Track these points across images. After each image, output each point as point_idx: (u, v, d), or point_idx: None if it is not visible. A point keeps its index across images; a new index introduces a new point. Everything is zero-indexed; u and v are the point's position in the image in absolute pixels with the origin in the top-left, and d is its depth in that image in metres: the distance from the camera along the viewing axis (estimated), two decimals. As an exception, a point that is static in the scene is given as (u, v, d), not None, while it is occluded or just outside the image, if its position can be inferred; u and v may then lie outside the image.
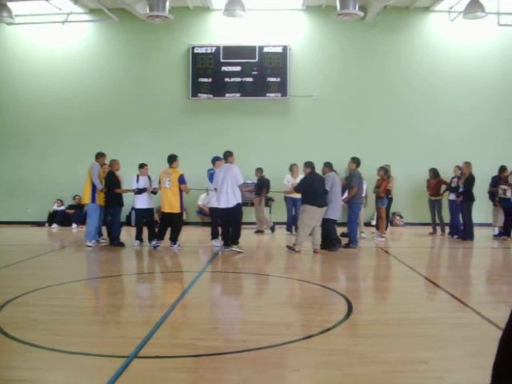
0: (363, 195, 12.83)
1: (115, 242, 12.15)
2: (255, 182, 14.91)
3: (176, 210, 11.58)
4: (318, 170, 11.75)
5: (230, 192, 11.18)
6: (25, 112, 17.35)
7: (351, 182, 11.94)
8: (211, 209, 12.25)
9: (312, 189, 11.17)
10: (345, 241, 12.07)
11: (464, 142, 16.23)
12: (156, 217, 13.30)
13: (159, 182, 11.83)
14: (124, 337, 5.34)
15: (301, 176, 12.78)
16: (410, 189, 16.14)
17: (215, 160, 12.29)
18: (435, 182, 14.34)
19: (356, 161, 12.10)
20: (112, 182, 12.12)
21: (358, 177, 11.96)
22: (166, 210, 11.61)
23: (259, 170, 14.91)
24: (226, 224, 11.53)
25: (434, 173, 14.41)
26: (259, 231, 14.76)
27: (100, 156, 12.29)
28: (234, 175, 11.23)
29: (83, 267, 10.27)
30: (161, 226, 11.99)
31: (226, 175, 11.23)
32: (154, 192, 12.13)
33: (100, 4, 14.63)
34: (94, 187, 11.94)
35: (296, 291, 7.92)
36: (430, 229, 14.61)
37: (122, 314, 6.51)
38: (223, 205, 11.25)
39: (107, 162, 12.57)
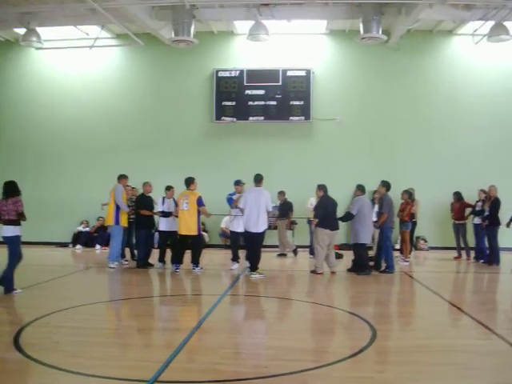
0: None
1: (140, 262, 12.18)
2: (277, 205, 14.88)
3: (193, 232, 11.48)
4: (339, 192, 11.70)
5: (260, 217, 11.09)
6: (53, 134, 17.64)
7: (381, 207, 11.82)
8: (233, 232, 12.28)
9: (328, 212, 11.27)
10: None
11: (489, 165, 16.01)
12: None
13: (176, 205, 11.83)
14: (145, 360, 5.31)
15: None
16: (434, 212, 15.93)
17: (237, 184, 12.31)
18: (459, 205, 14.16)
19: (386, 184, 11.92)
20: (143, 204, 12.20)
21: (388, 201, 11.80)
22: (183, 232, 11.49)
23: (282, 193, 14.89)
24: (250, 247, 11.47)
25: (458, 196, 14.24)
26: (282, 254, 14.67)
27: (122, 178, 12.40)
28: (266, 200, 11.21)
29: (105, 289, 10.30)
30: (178, 249, 11.80)
31: (259, 199, 11.11)
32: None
33: (126, 29, 14.89)
34: (117, 209, 12.02)
35: (319, 316, 7.81)
36: (454, 253, 14.38)
37: (143, 336, 6.48)
38: (252, 229, 11.12)
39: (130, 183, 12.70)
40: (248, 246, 11.52)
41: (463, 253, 14.23)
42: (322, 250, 11.32)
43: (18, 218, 8.68)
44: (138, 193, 13.20)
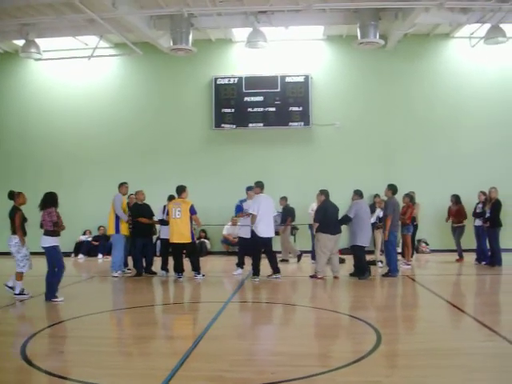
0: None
1: (139, 270, 12.21)
2: (279, 211, 14.90)
3: (187, 239, 11.48)
4: (339, 197, 11.77)
5: (272, 222, 11.60)
6: (53, 145, 17.71)
7: (385, 210, 11.86)
8: (241, 238, 12.40)
9: (325, 217, 11.38)
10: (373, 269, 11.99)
11: (489, 167, 16.05)
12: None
13: (167, 214, 11.82)
14: (152, 368, 5.32)
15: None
16: (435, 215, 15.93)
17: (250, 189, 12.37)
18: (456, 208, 14.18)
19: (392, 188, 11.91)
20: (137, 213, 12.23)
21: (391, 205, 11.81)
22: (176, 240, 11.46)
23: (284, 199, 14.91)
24: (258, 252, 11.61)
25: (456, 199, 14.27)
26: (284, 260, 14.68)
27: (121, 186, 12.45)
28: (273, 206, 11.80)
29: (109, 298, 10.31)
30: (175, 258, 11.78)
31: (270, 205, 11.61)
32: None
33: (124, 38, 14.97)
34: (117, 218, 12.07)
35: (323, 321, 7.82)
36: (456, 255, 14.39)
37: (149, 345, 6.49)
38: (266, 234, 11.44)
39: (131, 191, 12.74)
40: (256, 251, 11.54)
41: (465, 255, 14.25)
42: (323, 255, 11.41)
43: (52, 229, 8.93)
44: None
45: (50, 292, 8.93)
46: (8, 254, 9.56)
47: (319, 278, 11.37)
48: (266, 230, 11.40)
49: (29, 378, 5.06)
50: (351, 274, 11.66)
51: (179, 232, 11.41)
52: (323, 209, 11.56)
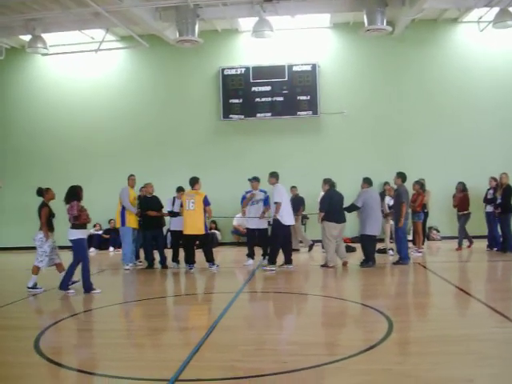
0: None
1: (151, 263, 12.32)
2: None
3: (201, 231, 11.49)
4: (349, 186, 11.76)
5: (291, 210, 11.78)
6: (61, 139, 17.78)
7: (398, 198, 11.76)
8: (249, 229, 12.47)
9: (330, 205, 11.46)
10: (381, 257, 11.99)
11: (498, 152, 15.96)
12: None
13: (181, 206, 11.84)
14: (164, 360, 5.35)
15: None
16: (445, 202, 15.80)
17: (255, 180, 12.39)
18: (461, 195, 13.96)
19: (402, 176, 11.87)
20: (146, 205, 12.27)
21: (405, 193, 11.81)
22: (190, 231, 11.45)
23: (294, 188, 14.88)
24: (288, 242, 11.79)
25: (463, 187, 14.03)
26: (295, 250, 14.65)
27: (129, 178, 12.55)
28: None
29: (121, 290, 10.37)
30: (188, 250, 11.77)
31: (287, 194, 11.84)
32: None
33: (131, 31, 14.95)
34: (123, 210, 12.12)
35: (335, 310, 7.82)
36: (467, 242, 14.29)
37: (162, 336, 6.53)
38: (293, 222, 11.83)
39: (141, 184, 12.79)
40: (278, 240, 11.49)
41: (476, 241, 14.17)
42: (330, 243, 11.47)
43: (74, 223, 9.09)
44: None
45: (63, 282, 9.10)
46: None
47: (330, 266, 11.40)
48: (289, 218, 11.49)
49: (43, 372, 5.10)
50: (362, 264, 11.62)
51: (193, 224, 11.41)
52: (328, 197, 11.63)
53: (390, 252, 13.22)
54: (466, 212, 13.90)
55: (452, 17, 16.39)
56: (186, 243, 11.80)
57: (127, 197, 12.15)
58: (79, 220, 9.10)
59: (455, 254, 13.49)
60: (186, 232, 11.50)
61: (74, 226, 9.11)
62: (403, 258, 11.65)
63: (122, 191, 12.27)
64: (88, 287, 9.10)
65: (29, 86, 18.04)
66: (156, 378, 4.76)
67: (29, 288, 9.30)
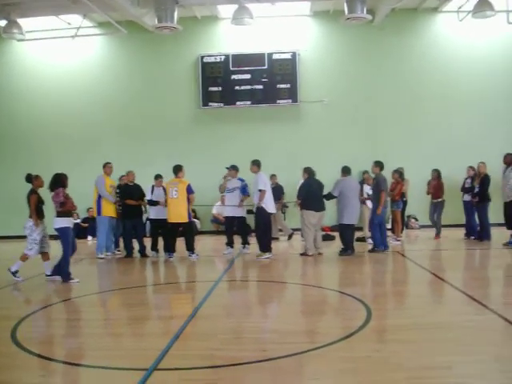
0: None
1: (130, 252, 12.24)
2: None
3: (185, 219, 11.49)
4: (328, 174, 11.78)
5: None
6: (37, 126, 17.50)
7: (377, 186, 11.85)
8: (227, 217, 12.39)
9: (309, 194, 11.51)
10: (360, 246, 12.05)
11: (476, 142, 16.12)
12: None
13: (165, 193, 11.81)
14: (143, 349, 5.32)
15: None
16: (424, 191, 15.92)
17: (233, 168, 12.32)
18: (435, 183, 14.04)
19: (380, 164, 11.97)
20: (125, 194, 12.16)
21: (384, 181, 11.89)
22: (174, 219, 11.47)
23: (274, 177, 14.85)
24: (268, 228, 11.81)
25: (438, 173, 14.08)
26: (274, 238, 14.66)
27: (105, 166, 12.44)
28: None
29: (100, 280, 10.29)
30: (169, 237, 11.80)
31: (268, 183, 11.85)
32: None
33: (108, 17, 14.72)
34: (99, 199, 12.01)
35: (314, 298, 7.84)
36: (444, 231, 14.36)
37: (140, 326, 6.47)
38: (275, 210, 11.99)
39: (122, 173, 12.67)
40: (266, 227, 11.61)
41: (453, 230, 14.30)
42: (309, 232, 11.51)
43: (60, 210, 8.98)
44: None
45: (64, 274, 9.05)
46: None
47: (309, 255, 11.42)
48: (272, 206, 11.61)
49: (21, 362, 5.02)
50: (340, 253, 11.65)
51: (177, 212, 11.40)
52: (307, 185, 11.71)
53: (369, 240, 13.27)
54: (440, 199, 13.98)
55: (432, 6, 16.44)
56: (168, 231, 11.77)
57: (103, 185, 12.02)
58: (65, 207, 8.98)
59: (433, 243, 13.61)
60: (170, 220, 11.50)
61: (59, 215, 9.00)
62: (377, 245, 11.75)
63: (97, 179, 12.13)
64: (66, 276, 9.00)
65: (5, 72, 17.70)
66: (135, 368, 4.72)
67: (11, 272, 9.21)
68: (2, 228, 17.06)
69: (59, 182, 9.08)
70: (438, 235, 14.03)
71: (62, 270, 9.06)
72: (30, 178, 9.40)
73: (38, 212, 9.24)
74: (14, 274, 9.23)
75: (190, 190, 11.47)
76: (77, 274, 9.22)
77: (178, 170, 11.63)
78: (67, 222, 9.14)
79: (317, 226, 11.64)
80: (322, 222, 11.95)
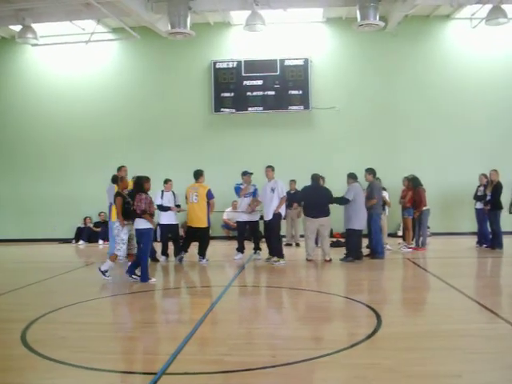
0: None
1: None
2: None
3: (204, 224, 11.60)
4: (340, 180, 12.04)
5: None
6: (53, 132, 17.63)
7: (371, 192, 11.85)
8: (239, 222, 12.41)
9: (308, 200, 11.70)
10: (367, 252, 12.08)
11: (489, 150, 16.00)
12: (181, 232, 13.29)
13: (186, 198, 11.83)
14: (152, 353, 5.33)
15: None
16: (436, 198, 15.86)
17: (245, 174, 12.28)
18: (412, 193, 13.01)
19: (372, 172, 12.03)
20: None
21: (378, 188, 11.91)
22: (195, 224, 11.59)
23: (293, 182, 14.74)
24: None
25: (412, 182, 13.02)
26: (288, 244, 14.59)
27: (119, 170, 12.38)
28: None
29: (109, 283, 10.30)
30: (186, 239, 12.01)
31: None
32: (179, 211, 12.16)
33: (122, 22, 14.82)
34: (110, 205, 12.04)
35: (324, 304, 7.80)
36: (456, 239, 14.21)
37: (150, 330, 6.48)
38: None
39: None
40: (278, 233, 11.66)
41: (466, 237, 14.17)
42: (307, 237, 11.64)
43: (141, 215, 9.17)
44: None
45: (143, 275, 9.24)
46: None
47: (308, 260, 11.56)
48: (284, 212, 11.74)
49: (30, 364, 5.04)
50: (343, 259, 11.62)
51: (197, 216, 11.53)
52: (302, 192, 12.05)
53: (387, 247, 13.12)
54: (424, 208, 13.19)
55: (444, 13, 16.41)
56: (188, 234, 11.93)
57: (113, 193, 12.03)
58: (147, 214, 9.16)
59: (445, 250, 13.53)
60: (192, 224, 11.70)
61: (140, 216, 9.16)
62: (378, 253, 11.88)
63: (108, 189, 12.13)
64: (145, 277, 9.21)
65: (19, 77, 17.87)
66: (143, 372, 4.74)
67: (100, 271, 9.44)
68: (13, 231, 17.17)
69: (140, 186, 9.29)
70: (420, 247, 13.24)
71: (141, 271, 9.25)
72: (115, 180, 9.55)
73: (123, 213, 9.41)
74: (104, 273, 9.44)
75: (210, 195, 11.55)
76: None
77: (199, 174, 11.74)
78: (149, 224, 9.29)
79: (322, 233, 11.62)
80: (327, 228, 11.87)
